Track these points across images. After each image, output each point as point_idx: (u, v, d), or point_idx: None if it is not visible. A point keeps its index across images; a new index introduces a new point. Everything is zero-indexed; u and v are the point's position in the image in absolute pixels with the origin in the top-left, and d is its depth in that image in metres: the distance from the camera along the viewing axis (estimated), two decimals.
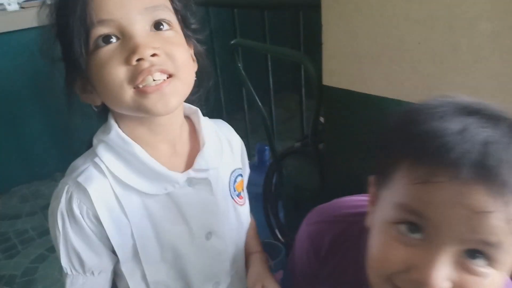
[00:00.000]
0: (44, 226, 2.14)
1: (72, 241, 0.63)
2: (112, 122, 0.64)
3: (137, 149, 0.63)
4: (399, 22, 0.77)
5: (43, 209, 2.29)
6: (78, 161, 0.66)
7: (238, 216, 0.78)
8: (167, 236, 0.66)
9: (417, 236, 0.44)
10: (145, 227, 0.65)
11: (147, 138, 0.65)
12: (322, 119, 1.09)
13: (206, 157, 0.69)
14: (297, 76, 1.47)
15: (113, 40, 0.56)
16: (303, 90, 1.47)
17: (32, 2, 2.54)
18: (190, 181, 0.67)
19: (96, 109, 0.66)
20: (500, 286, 0.45)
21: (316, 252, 0.67)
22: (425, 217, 0.43)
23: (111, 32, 0.55)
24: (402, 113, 0.48)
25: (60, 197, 0.62)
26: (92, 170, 0.63)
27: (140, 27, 0.56)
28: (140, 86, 0.56)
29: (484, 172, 0.39)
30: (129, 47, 0.55)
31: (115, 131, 0.63)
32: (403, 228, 0.45)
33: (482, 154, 0.39)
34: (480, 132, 0.41)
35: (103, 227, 0.62)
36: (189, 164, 0.69)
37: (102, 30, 0.55)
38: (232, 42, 1.37)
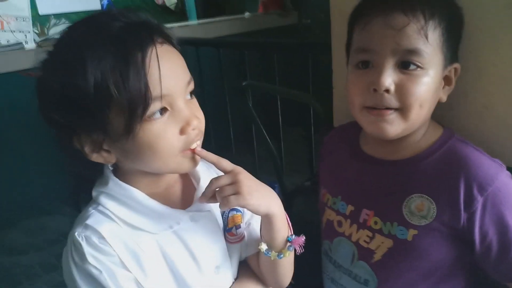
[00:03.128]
0: (50, 262, 2.12)
1: (119, 274, 0.62)
2: (108, 173, 0.67)
3: (137, 193, 0.66)
4: None
5: (51, 244, 2.28)
6: (80, 215, 0.67)
7: (230, 252, 0.76)
8: (179, 272, 0.68)
9: (369, 67, 0.69)
10: (160, 263, 0.67)
11: (147, 183, 0.68)
12: None
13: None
14: (304, 112, 1.50)
15: (164, 112, 0.60)
16: (312, 129, 1.50)
17: (48, 42, 2.64)
18: (193, 217, 0.70)
19: (111, 167, 0.68)
20: (431, 84, 0.67)
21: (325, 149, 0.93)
22: (369, 49, 0.68)
23: (163, 105, 0.59)
24: None
25: (80, 246, 0.61)
26: (98, 215, 0.65)
27: (182, 99, 0.62)
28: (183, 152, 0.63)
29: (398, 5, 0.64)
30: (181, 119, 0.61)
31: (112, 180, 0.66)
32: (360, 65, 0.70)
33: None
34: None
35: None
36: (186, 201, 0.72)
37: (158, 104, 0.58)
38: (244, 83, 1.42)
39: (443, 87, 0.71)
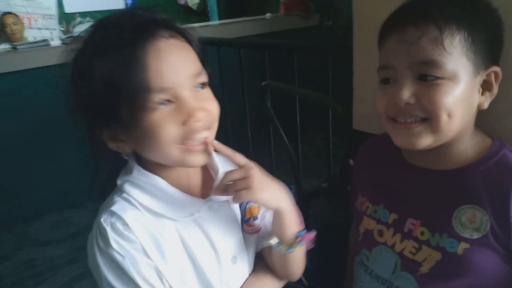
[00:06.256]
0: (72, 255, 2.18)
1: (141, 261, 0.64)
2: (132, 163, 0.70)
3: (159, 181, 0.68)
4: None
5: (73, 237, 2.34)
6: (105, 202, 0.70)
7: (247, 243, 0.78)
8: (197, 260, 0.70)
9: (390, 84, 0.69)
10: (180, 250, 0.69)
11: (168, 173, 0.70)
12: (351, 161, 1.10)
13: None
14: (323, 114, 1.50)
15: (168, 103, 0.62)
16: (331, 131, 1.49)
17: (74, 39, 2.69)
18: (212, 207, 0.72)
19: (126, 157, 0.71)
20: (459, 92, 0.64)
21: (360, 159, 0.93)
22: (388, 66, 0.68)
23: (167, 97, 0.61)
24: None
25: (105, 232, 0.64)
26: (122, 203, 0.67)
27: (189, 91, 0.63)
28: (188, 144, 0.64)
29: (410, 19, 0.65)
30: (185, 111, 0.62)
31: (137, 169, 0.69)
32: (383, 82, 0.71)
33: (411, 11, 0.67)
34: None
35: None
36: (205, 191, 0.74)
37: (160, 96, 0.60)
38: (263, 83, 1.42)
39: (483, 93, 0.67)
